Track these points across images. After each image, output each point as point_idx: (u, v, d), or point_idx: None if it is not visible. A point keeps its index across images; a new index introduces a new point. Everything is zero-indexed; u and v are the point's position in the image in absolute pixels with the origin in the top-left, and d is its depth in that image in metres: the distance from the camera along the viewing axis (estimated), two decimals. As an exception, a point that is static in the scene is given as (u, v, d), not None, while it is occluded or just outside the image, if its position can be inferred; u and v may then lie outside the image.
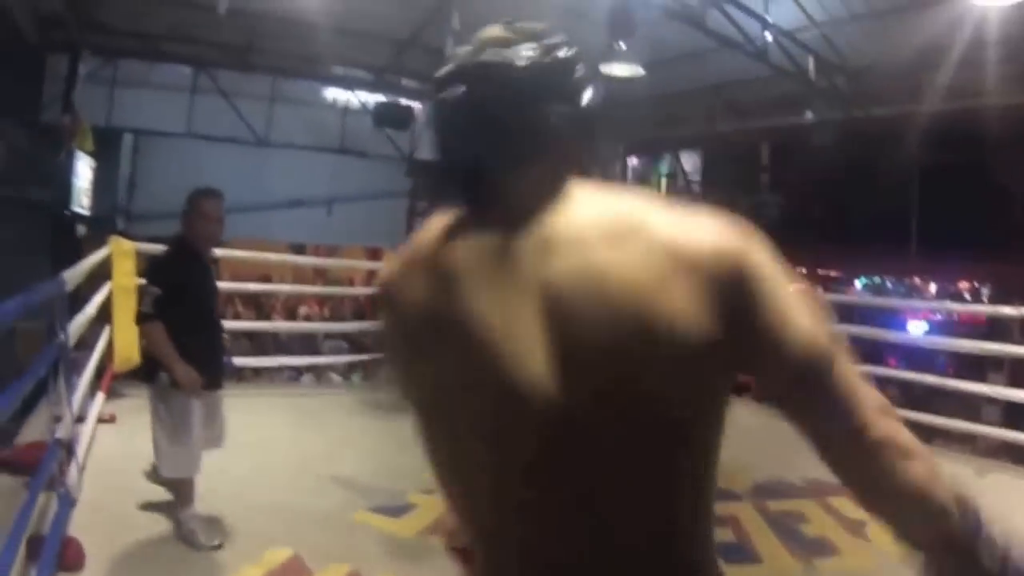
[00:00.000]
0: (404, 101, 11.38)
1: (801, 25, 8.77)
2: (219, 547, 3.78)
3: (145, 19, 8.94)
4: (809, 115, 10.44)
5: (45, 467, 3.36)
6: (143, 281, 4.05)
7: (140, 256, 6.14)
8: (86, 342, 5.35)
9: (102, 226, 8.66)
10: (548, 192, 1.02)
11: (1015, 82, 8.30)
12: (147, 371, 3.92)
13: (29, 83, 8.41)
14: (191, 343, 3.74)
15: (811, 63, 9.20)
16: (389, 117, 11.16)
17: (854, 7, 8.50)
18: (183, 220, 3.92)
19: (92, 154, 8.70)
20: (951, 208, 9.78)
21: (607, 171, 14.12)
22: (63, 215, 8.09)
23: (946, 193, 9.84)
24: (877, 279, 14.57)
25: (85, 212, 8.54)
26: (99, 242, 6.27)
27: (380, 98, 11.36)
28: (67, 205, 8.08)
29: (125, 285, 5.92)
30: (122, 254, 6.07)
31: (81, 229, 8.40)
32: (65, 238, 8.01)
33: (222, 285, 5.47)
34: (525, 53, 1.02)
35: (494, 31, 1.06)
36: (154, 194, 10.11)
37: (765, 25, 8.45)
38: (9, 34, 7.76)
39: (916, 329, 12.39)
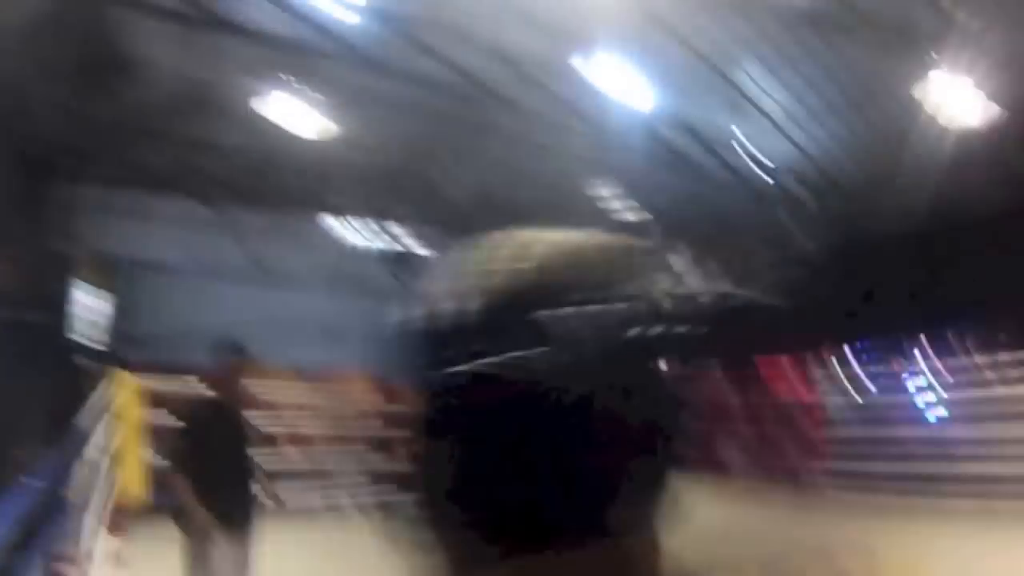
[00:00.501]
0: (407, 242, 11.86)
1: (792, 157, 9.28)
2: None
3: (149, 152, 9.15)
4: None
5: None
6: (173, 424, 4.10)
7: (146, 392, 6.11)
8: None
9: (104, 355, 8.65)
10: None
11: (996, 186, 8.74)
12: (174, 513, 3.96)
13: (30, 209, 8.53)
14: (214, 491, 3.80)
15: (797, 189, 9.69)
16: (392, 256, 11.73)
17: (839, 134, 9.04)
18: (212, 371, 4.09)
19: (101, 285, 8.78)
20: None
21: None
22: (62, 342, 8.07)
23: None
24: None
25: (86, 341, 8.54)
26: (100, 371, 6.19)
27: (382, 235, 11.81)
28: (66, 332, 8.09)
29: (132, 422, 5.89)
30: (127, 390, 6.02)
31: (82, 358, 8.39)
32: (64, 365, 7.97)
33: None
34: None
35: None
36: (154, 322, 10.17)
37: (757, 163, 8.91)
38: (12, 159, 7.94)
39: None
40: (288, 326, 11.94)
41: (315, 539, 6.74)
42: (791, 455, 10.45)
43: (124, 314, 10.02)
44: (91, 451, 5.08)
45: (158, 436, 6.48)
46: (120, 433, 5.80)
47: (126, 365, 7.63)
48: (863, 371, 11.84)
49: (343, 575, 5.78)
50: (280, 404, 10.47)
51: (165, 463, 4.03)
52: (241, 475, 4.08)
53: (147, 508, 5.96)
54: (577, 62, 7.52)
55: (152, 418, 6.06)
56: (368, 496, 8.42)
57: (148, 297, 10.53)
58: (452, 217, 11.13)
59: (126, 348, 9.58)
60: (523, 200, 10.62)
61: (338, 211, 11.64)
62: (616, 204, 10.31)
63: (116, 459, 5.79)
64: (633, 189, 9.61)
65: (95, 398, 5.33)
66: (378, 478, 8.66)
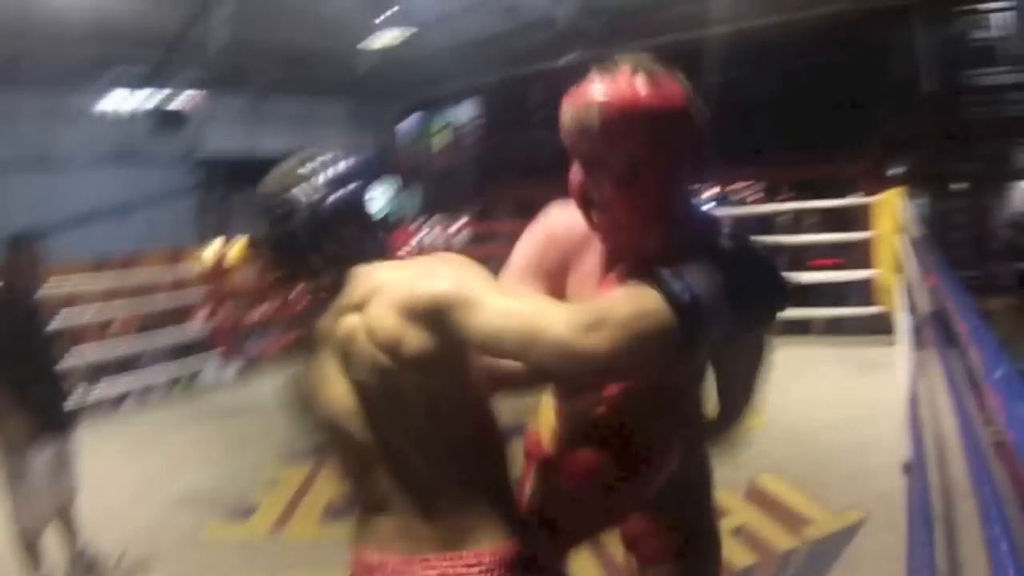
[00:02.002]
0: (178, 100, 11.32)
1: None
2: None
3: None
4: (569, 57, 11.12)
5: None
6: None
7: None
8: None
9: None
10: (337, 280, 1.47)
11: (753, 6, 9.22)
12: None
13: None
14: (23, 397, 3.64)
15: (563, 10, 9.80)
16: (165, 120, 11.21)
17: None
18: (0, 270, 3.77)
19: None
20: (713, 123, 10.76)
21: (385, 135, 14.55)
22: None
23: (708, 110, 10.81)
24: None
25: None
26: None
27: (156, 100, 11.21)
28: None
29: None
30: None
31: None
32: None
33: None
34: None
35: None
36: None
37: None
38: None
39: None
40: (76, 213, 11.39)
41: (128, 427, 6.74)
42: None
43: None
44: None
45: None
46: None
47: None
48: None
49: (157, 456, 5.82)
50: (81, 296, 9.99)
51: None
52: (48, 373, 3.89)
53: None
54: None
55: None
56: (172, 371, 8.26)
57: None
58: (223, 72, 10.72)
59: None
60: (297, 48, 10.31)
61: (109, 83, 10.83)
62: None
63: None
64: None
65: None
66: (179, 350, 8.54)
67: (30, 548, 3.71)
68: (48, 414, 3.77)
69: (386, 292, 1.36)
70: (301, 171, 1.50)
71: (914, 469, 3.41)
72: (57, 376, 4.00)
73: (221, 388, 7.96)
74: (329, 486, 4.83)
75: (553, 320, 1.20)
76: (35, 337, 3.85)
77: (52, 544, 3.90)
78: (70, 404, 4.08)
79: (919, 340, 4.52)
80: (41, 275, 3.89)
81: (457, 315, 1.29)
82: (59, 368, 4.05)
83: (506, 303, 1.27)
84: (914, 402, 3.69)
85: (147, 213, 12.41)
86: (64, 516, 3.94)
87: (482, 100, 15.44)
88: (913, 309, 5.01)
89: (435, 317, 1.31)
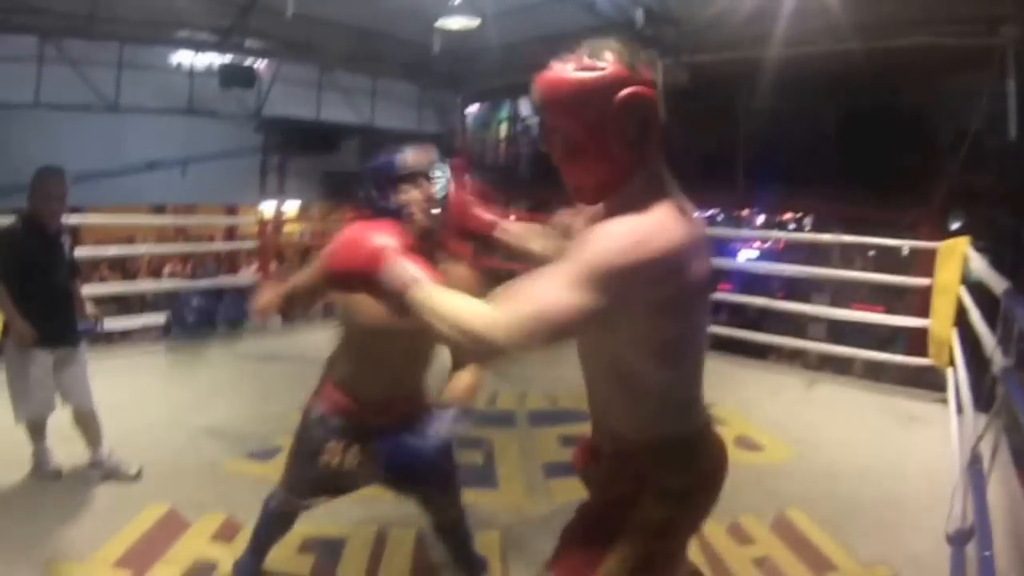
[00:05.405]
0: (248, 61, 11.70)
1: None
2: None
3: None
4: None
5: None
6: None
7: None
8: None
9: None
10: None
11: (829, 32, 9.01)
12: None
13: None
14: (31, 307, 3.98)
15: (640, 14, 9.68)
16: (235, 77, 11.52)
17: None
18: (28, 197, 4.09)
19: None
20: (774, 148, 10.56)
21: (447, 120, 14.60)
22: None
23: (769, 134, 10.59)
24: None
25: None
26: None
27: (226, 59, 11.56)
28: None
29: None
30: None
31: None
32: None
33: (85, 251, 5.69)
34: None
35: None
36: (6, 167, 9.71)
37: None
38: None
39: (746, 256, 13.33)
40: (137, 158, 11.75)
41: (160, 359, 7.03)
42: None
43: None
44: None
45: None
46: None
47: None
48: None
49: (189, 390, 5.96)
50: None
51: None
52: (57, 291, 4.18)
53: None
54: None
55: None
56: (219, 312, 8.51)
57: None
58: (293, 41, 10.89)
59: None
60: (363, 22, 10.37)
61: (181, 34, 11.08)
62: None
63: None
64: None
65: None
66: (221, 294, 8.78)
67: (36, 436, 4.16)
68: (52, 325, 4.08)
69: None
70: None
71: (959, 540, 3.26)
72: (64, 295, 4.26)
73: (268, 334, 8.19)
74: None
75: None
76: (51, 258, 4.17)
77: (79, 450, 4.23)
78: (80, 322, 4.39)
79: (979, 402, 4.27)
80: (55, 209, 4.14)
81: None
82: (70, 289, 4.32)
83: None
84: (974, 468, 3.50)
85: (209, 167, 12.61)
86: (82, 424, 4.26)
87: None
88: (973, 367, 4.81)
89: None
